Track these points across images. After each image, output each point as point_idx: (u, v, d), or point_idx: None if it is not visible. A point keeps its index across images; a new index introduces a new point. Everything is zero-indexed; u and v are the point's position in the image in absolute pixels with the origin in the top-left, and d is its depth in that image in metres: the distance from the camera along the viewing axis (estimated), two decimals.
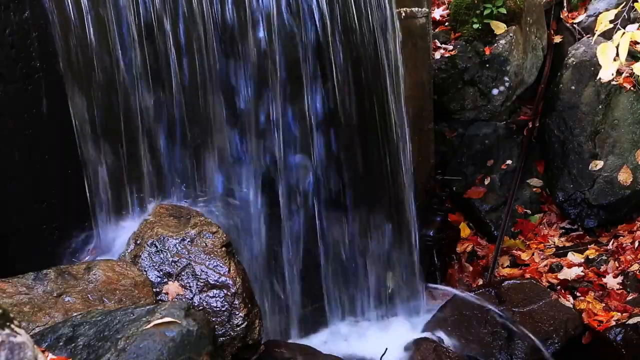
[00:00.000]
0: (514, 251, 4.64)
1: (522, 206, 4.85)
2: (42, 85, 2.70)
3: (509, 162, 4.90)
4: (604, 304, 4.03)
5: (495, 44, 4.79)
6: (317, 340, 3.56)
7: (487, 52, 4.77)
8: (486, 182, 4.82)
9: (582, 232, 4.74)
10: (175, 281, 2.64)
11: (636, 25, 2.85)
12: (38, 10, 2.65)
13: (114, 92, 2.88)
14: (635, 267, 4.23)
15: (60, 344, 2.04)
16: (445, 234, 4.41)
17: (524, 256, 4.58)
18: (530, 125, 5.04)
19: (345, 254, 3.73)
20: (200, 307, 2.58)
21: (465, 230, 4.72)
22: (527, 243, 4.71)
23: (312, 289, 3.66)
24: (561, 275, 4.32)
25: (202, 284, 2.63)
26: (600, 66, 2.70)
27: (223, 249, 2.72)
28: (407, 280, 3.99)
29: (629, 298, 4.06)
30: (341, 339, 3.69)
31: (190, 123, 3.10)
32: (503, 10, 4.75)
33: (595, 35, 2.96)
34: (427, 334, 3.68)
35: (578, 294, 4.20)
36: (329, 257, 3.66)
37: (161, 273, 2.66)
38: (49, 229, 2.81)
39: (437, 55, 4.80)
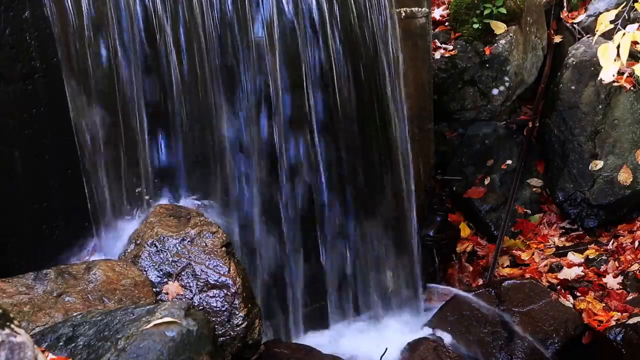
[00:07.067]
0: (514, 251, 4.63)
1: (522, 206, 4.84)
2: (42, 85, 2.70)
3: (509, 162, 4.89)
4: (604, 304, 4.02)
5: (495, 44, 4.79)
6: (318, 340, 3.56)
7: (487, 52, 4.77)
8: (486, 182, 4.81)
9: (582, 232, 4.73)
10: (175, 281, 2.64)
11: (636, 25, 2.85)
12: (38, 10, 2.65)
13: (114, 91, 2.88)
14: (635, 267, 4.22)
15: (60, 343, 2.04)
16: (445, 233, 4.40)
17: (524, 256, 4.57)
18: (530, 125, 5.03)
19: (346, 254, 3.73)
20: (200, 307, 2.58)
21: (465, 230, 4.71)
22: (527, 243, 4.70)
23: (314, 289, 3.66)
24: (561, 275, 4.31)
25: (202, 284, 2.64)
26: (600, 66, 2.69)
27: (223, 249, 2.73)
28: (407, 280, 3.99)
29: (629, 298, 4.05)
30: (341, 339, 3.68)
31: (190, 121, 3.10)
32: (503, 10, 4.74)
33: (596, 36, 2.95)
34: (427, 334, 3.68)
35: (578, 294, 4.19)
36: (330, 257, 3.66)
37: (161, 273, 2.66)
38: (49, 229, 2.81)
39: (437, 55, 4.79)
